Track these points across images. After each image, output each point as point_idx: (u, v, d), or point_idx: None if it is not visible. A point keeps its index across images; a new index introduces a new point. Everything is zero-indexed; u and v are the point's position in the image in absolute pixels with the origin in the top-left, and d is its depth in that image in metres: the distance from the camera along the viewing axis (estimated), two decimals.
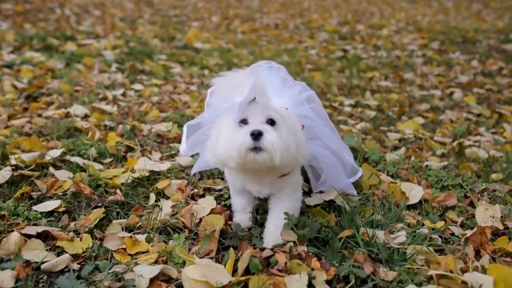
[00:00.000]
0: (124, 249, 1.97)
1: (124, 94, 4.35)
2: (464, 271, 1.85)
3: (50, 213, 2.21)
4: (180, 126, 3.50)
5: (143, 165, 2.66)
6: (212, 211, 2.25)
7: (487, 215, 2.29)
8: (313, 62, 6.36)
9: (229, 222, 2.18)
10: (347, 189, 2.43)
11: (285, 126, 1.85)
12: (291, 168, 1.99)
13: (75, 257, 1.91)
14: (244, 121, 1.85)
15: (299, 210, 2.14)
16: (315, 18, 10.45)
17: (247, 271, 1.80)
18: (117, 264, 1.88)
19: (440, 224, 2.23)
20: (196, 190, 2.49)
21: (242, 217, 2.21)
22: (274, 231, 2.03)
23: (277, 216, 2.06)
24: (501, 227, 2.21)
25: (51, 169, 2.59)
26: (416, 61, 6.63)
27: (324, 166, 2.30)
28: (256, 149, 1.76)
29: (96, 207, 2.30)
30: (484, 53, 7.14)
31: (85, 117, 3.61)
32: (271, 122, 1.84)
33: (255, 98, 1.84)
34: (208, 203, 2.32)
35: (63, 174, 2.56)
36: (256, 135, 1.75)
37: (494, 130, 3.95)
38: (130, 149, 3.07)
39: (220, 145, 1.86)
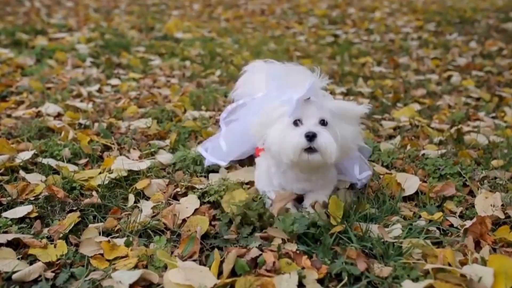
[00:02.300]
0: (102, 254, 1.96)
1: (99, 90, 4.33)
2: (463, 263, 1.85)
3: (21, 220, 2.20)
4: (160, 121, 3.50)
5: (120, 164, 2.65)
6: (196, 211, 2.25)
7: (487, 204, 2.31)
8: (302, 49, 6.36)
9: (213, 223, 2.18)
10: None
11: (336, 124, 2.10)
12: (343, 159, 2.23)
13: (49, 265, 1.90)
14: (298, 121, 2.10)
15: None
16: (303, 2, 10.46)
17: (233, 273, 1.80)
18: (94, 270, 1.86)
19: (438, 215, 2.24)
20: (178, 189, 2.49)
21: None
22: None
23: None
24: (502, 216, 2.23)
25: (22, 173, 2.58)
26: (411, 44, 6.65)
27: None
28: (310, 149, 2.02)
29: (71, 211, 2.28)
30: (483, 34, 7.18)
31: (58, 116, 3.59)
32: (323, 122, 2.09)
33: (309, 98, 2.11)
34: (191, 202, 2.32)
35: (34, 178, 2.54)
36: (311, 137, 2.00)
37: (495, 114, 3.97)
38: (107, 148, 3.06)
39: (272, 139, 2.13)
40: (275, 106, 2.18)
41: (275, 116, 2.16)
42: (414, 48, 6.44)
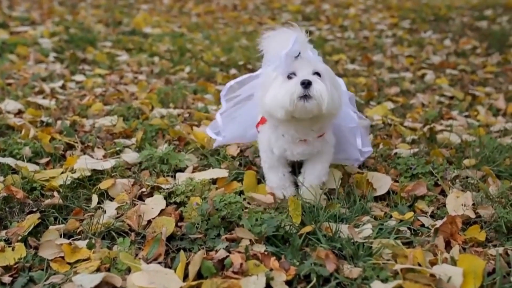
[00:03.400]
0: (62, 257, 1.94)
1: (63, 87, 4.29)
2: (433, 263, 1.88)
3: None
4: (126, 119, 3.47)
5: (84, 164, 2.62)
6: (162, 212, 2.25)
7: (458, 203, 2.35)
8: None
9: (179, 224, 2.17)
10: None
11: (328, 79, 2.20)
12: (333, 117, 2.32)
13: (6, 269, 1.87)
14: (292, 74, 2.19)
15: (327, 171, 2.48)
16: None
17: (199, 275, 1.80)
18: (54, 274, 1.85)
19: (409, 215, 2.27)
20: (143, 190, 2.47)
21: (284, 192, 2.45)
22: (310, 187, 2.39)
23: (310, 174, 2.44)
24: (472, 215, 2.27)
25: None
26: (386, 41, 6.73)
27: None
28: (306, 97, 2.10)
29: (31, 212, 2.25)
30: (457, 32, 7.30)
31: (19, 113, 3.54)
32: (318, 74, 2.18)
33: (300, 54, 2.21)
34: (156, 203, 2.31)
35: None
36: (306, 84, 2.09)
37: (468, 113, 4.05)
38: (70, 147, 3.02)
39: (269, 97, 2.20)
40: (271, 72, 2.27)
41: (272, 79, 2.23)
42: (388, 45, 6.52)
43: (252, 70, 5.02)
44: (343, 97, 2.36)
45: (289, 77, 2.18)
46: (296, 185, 2.51)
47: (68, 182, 2.49)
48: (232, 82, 2.72)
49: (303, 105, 2.10)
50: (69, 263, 1.91)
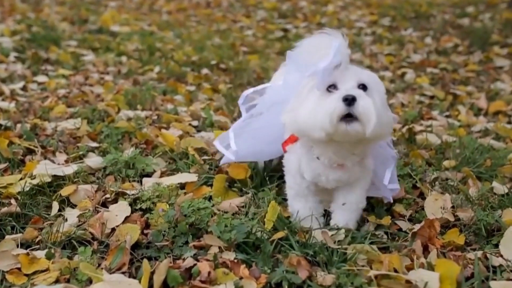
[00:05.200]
0: (19, 268, 1.91)
1: (24, 88, 4.24)
2: (410, 268, 1.90)
3: None
4: (91, 122, 3.44)
5: (44, 169, 2.59)
6: (127, 219, 2.23)
7: (437, 206, 2.36)
8: (249, 44, 6.39)
9: (145, 231, 2.15)
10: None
11: (377, 93, 1.93)
12: (381, 139, 2.09)
13: None
14: (332, 86, 1.90)
15: (365, 199, 2.23)
16: None
17: (165, 285, 1.79)
18: (10, 287, 1.82)
19: (386, 219, 2.28)
20: (107, 196, 2.45)
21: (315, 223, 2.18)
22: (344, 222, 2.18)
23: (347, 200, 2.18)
24: (451, 218, 2.29)
25: None
26: (365, 39, 6.78)
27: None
28: (348, 119, 1.82)
29: None
30: (439, 29, 7.37)
31: None
32: (363, 87, 1.90)
33: (340, 64, 1.90)
34: (121, 209, 2.28)
35: None
36: (350, 101, 1.80)
37: (448, 113, 4.09)
38: (29, 151, 2.98)
39: (303, 113, 1.92)
40: (304, 83, 2.00)
41: (306, 93, 1.96)
42: (367, 43, 6.57)
43: (225, 70, 5.04)
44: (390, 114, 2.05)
45: (328, 90, 1.91)
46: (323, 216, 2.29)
47: (27, 189, 2.45)
48: (250, 90, 2.52)
49: (345, 130, 1.83)
50: (26, 275, 1.88)
